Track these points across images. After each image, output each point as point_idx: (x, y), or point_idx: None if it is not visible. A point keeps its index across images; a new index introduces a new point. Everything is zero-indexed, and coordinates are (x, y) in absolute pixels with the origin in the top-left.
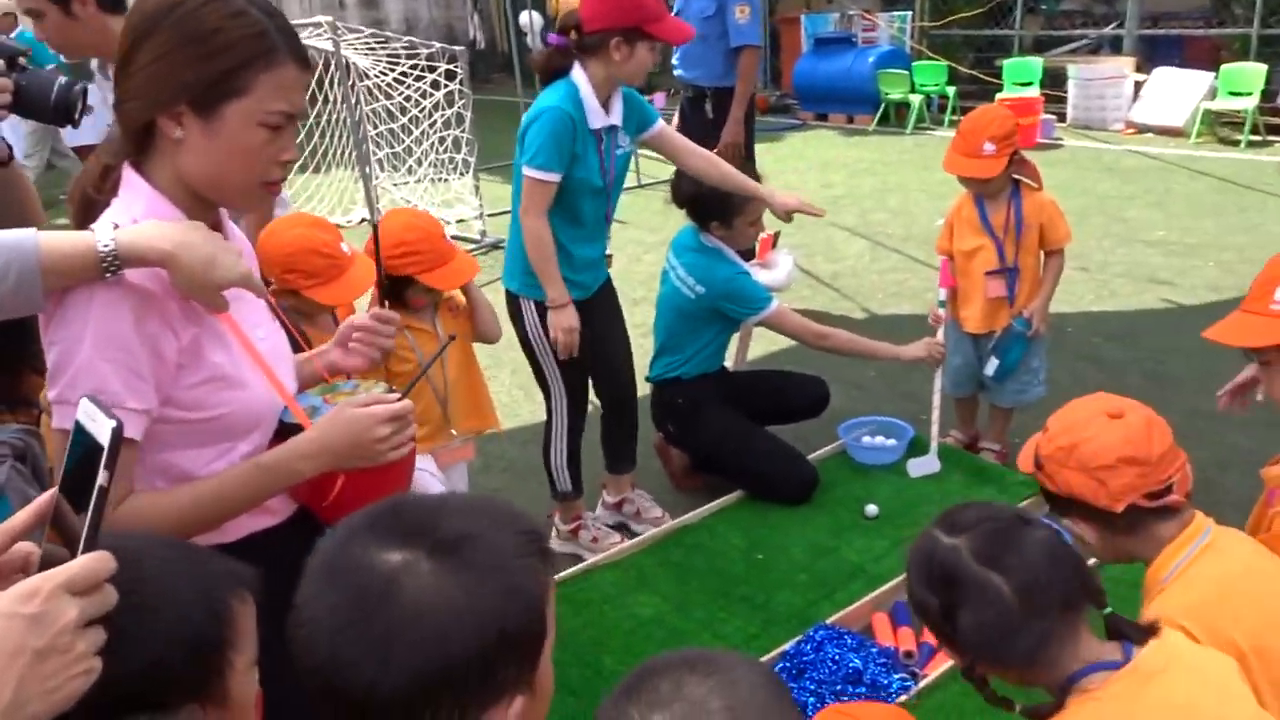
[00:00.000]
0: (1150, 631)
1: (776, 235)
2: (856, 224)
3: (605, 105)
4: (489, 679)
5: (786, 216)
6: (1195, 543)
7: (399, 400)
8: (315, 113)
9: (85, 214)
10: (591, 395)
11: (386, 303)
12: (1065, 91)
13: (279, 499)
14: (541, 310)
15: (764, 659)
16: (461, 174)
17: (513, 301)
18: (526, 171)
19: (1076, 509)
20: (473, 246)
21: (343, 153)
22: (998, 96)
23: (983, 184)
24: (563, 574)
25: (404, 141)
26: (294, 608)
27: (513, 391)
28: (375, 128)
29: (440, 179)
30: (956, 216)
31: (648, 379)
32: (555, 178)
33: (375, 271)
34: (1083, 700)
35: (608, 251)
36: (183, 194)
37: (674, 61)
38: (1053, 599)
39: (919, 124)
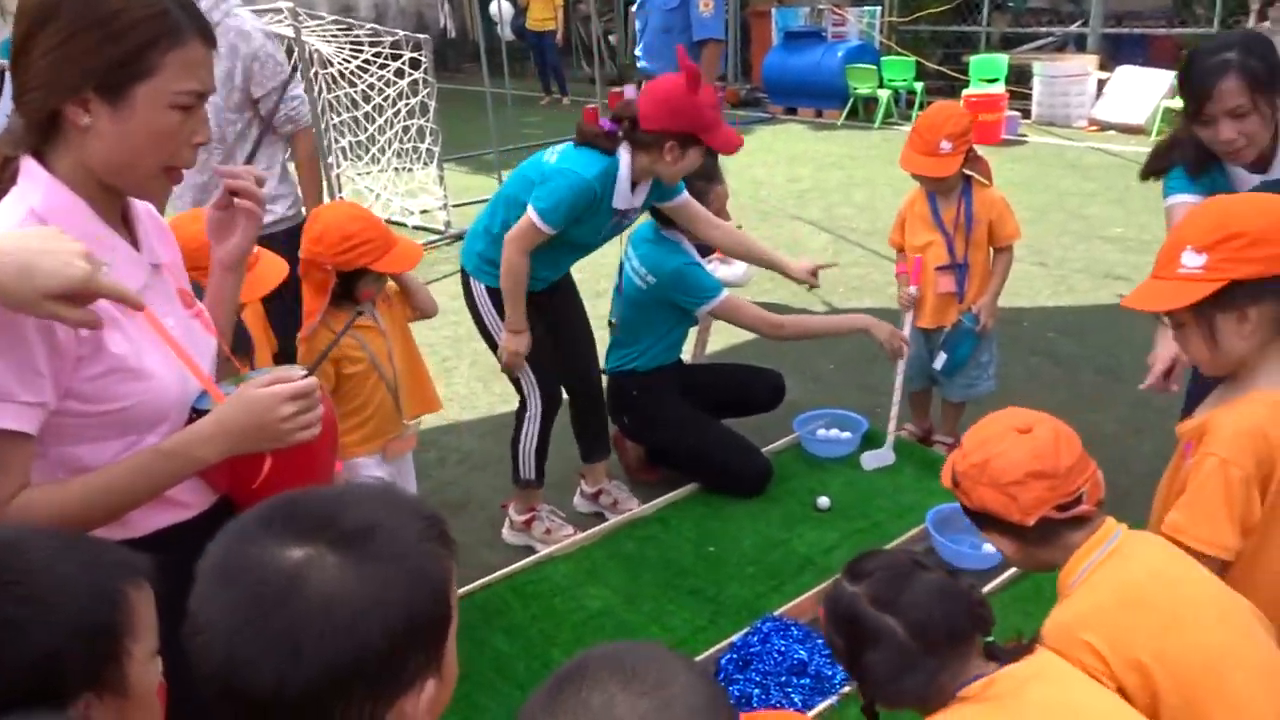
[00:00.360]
0: (1026, 650)
1: (737, 227)
2: (821, 218)
3: (634, 188)
4: (400, 668)
5: (809, 280)
6: (1101, 548)
7: (303, 378)
8: None
9: None
10: None
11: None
12: (1030, 88)
13: (192, 491)
14: (494, 296)
15: (711, 650)
16: (425, 164)
17: (466, 280)
18: (531, 212)
19: (992, 524)
20: (436, 237)
21: None
22: (964, 92)
23: (938, 181)
24: (514, 566)
25: (367, 130)
26: (188, 614)
27: (471, 384)
28: (338, 116)
29: (404, 169)
30: (909, 211)
31: (604, 370)
32: (553, 232)
33: (285, 268)
34: (959, 705)
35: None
36: (86, 182)
37: (637, 53)
38: (941, 634)
39: (886, 119)
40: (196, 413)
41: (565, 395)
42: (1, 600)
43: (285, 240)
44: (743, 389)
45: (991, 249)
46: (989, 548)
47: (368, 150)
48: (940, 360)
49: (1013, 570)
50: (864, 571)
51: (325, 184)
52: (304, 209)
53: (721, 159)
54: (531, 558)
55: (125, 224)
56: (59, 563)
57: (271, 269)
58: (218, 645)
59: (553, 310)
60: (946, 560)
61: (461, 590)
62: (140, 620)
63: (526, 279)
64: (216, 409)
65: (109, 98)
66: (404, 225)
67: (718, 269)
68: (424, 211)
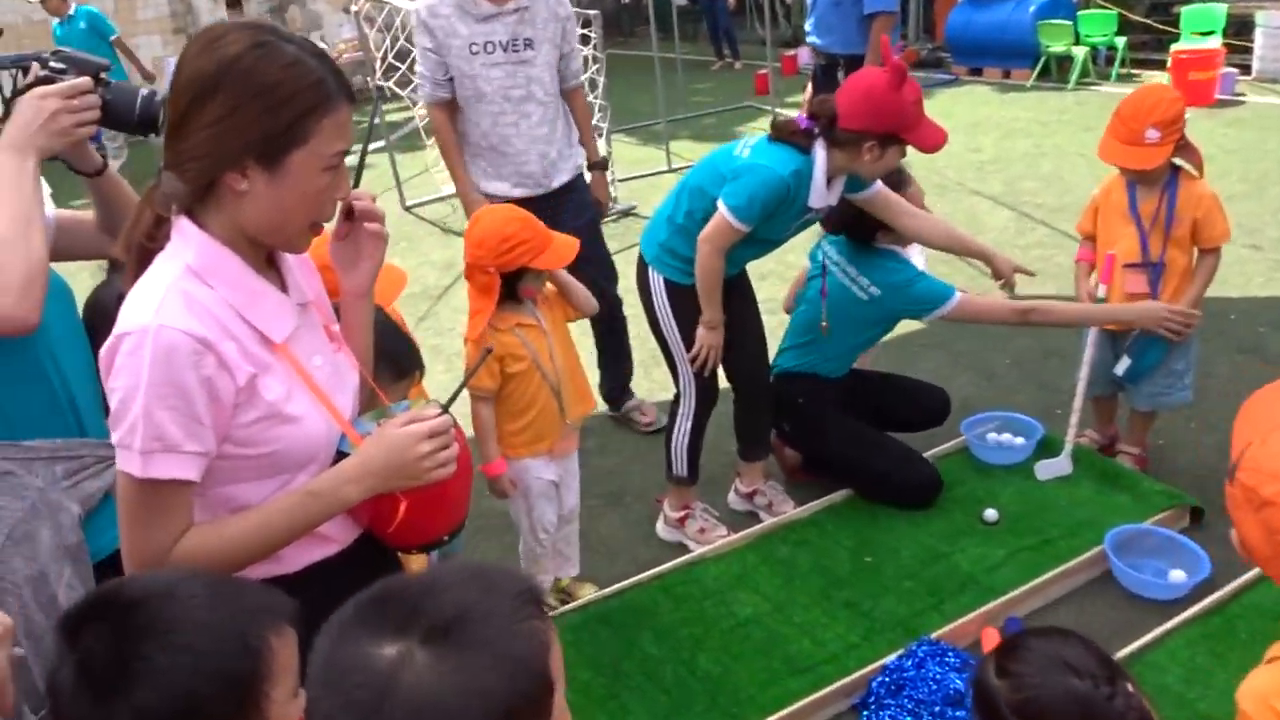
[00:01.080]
0: None
1: None
2: (1003, 192)
3: (829, 184)
4: None
5: (1009, 281)
6: None
7: (438, 415)
8: None
9: (141, 263)
10: (721, 377)
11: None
12: (1251, 41)
13: (339, 527)
14: (670, 289)
15: (863, 671)
16: (595, 137)
17: (643, 269)
18: (723, 209)
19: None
20: None
21: None
22: (1173, 47)
23: (1141, 173)
24: (666, 566)
25: None
26: (307, 707)
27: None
28: None
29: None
30: (1104, 199)
31: (772, 369)
32: (748, 229)
33: (405, 277)
34: None
35: None
36: (236, 237)
37: (806, 28)
38: None
39: (1083, 79)
40: (341, 454)
41: (731, 391)
42: (154, 647)
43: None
44: (906, 407)
45: (1196, 249)
46: (1175, 576)
47: None
48: (1123, 365)
49: (1203, 604)
50: (1009, 670)
51: None
52: (583, 162)
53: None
54: (683, 558)
55: (271, 264)
56: (208, 611)
57: (390, 280)
58: None
59: (728, 307)
60: (1127, 587)
61: (612, 588)
62: (281, 665)
63: (722, 277)
64: (359, 449)
65: (267, 165)
66: None
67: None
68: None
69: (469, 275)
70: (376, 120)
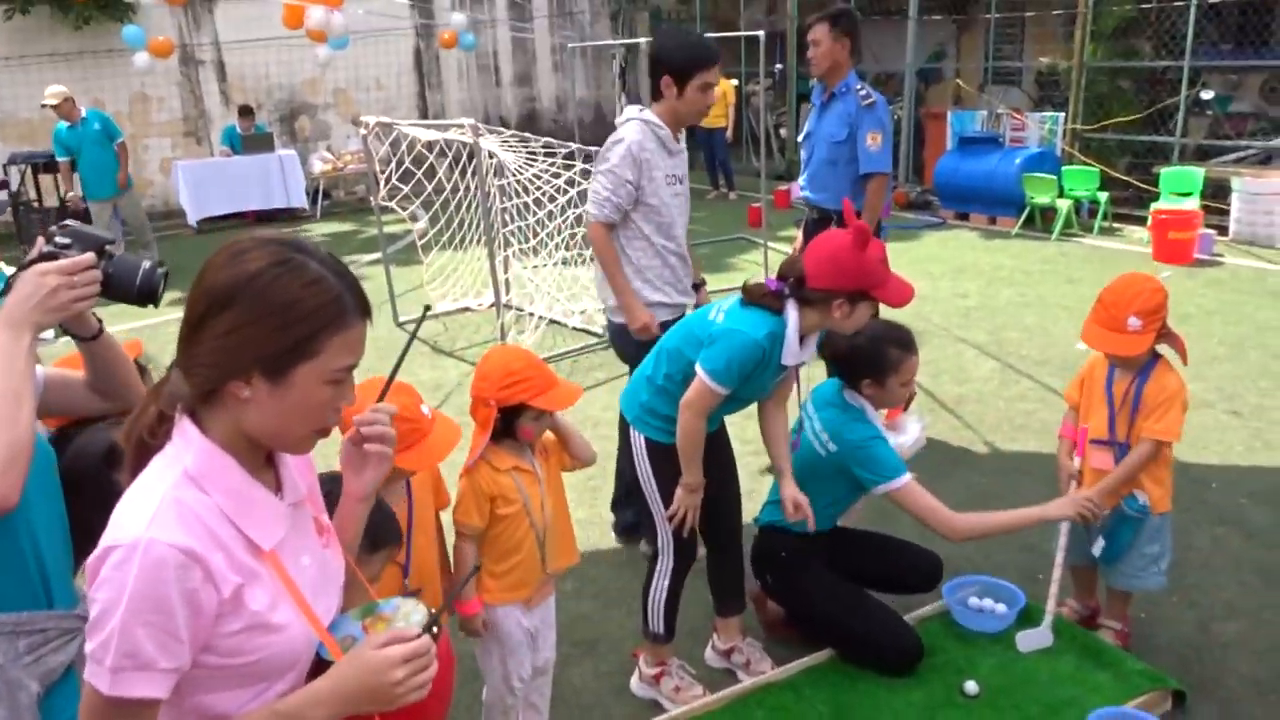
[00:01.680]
0: None
1: (911, 398)
2: (988, 342)
3: (802, 341)
4: None
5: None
6: None
7: (419, 636)
8: (457, 200)
9: (139, 457)
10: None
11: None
12: (1228, 204)
13: None
14: (651, 448)
15: None
16: (589, 264)
17: (625, 428)
18: (702, 374)
19: None
20: (595, 341)
21: (479, 238)
22: (1153, 206)
23: (1123, 359)
24: None
25: (538, 234)
26: None
27: (606, 513)
28: (510, 221)
29: (571, 263)
30: (1089, 372)
31: (755, 521)
32: (726, 392)
33: (459, 436)
34: None
35: None
36: (236, 441)
37: (800, 183)
38: None
39: (1066, 230)
40: (319, 659)
41: (703, 547)
42: None
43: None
44: (897, 567)
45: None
46: None
47: (536, 252)
48: (1098, 546)
49: None
50: None
51: (494, 277)
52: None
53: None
54: (657, 719)
55: (269, 461)
56: None
57: (446, 435)
58: None
59: (706, 461)
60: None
61: None
62: None
63: (703, 439)
64: (332, 673)
65: (272, 377)
66: (564, 325)
67: (886, 436)
68: (582, 313)
69: (472, 410)
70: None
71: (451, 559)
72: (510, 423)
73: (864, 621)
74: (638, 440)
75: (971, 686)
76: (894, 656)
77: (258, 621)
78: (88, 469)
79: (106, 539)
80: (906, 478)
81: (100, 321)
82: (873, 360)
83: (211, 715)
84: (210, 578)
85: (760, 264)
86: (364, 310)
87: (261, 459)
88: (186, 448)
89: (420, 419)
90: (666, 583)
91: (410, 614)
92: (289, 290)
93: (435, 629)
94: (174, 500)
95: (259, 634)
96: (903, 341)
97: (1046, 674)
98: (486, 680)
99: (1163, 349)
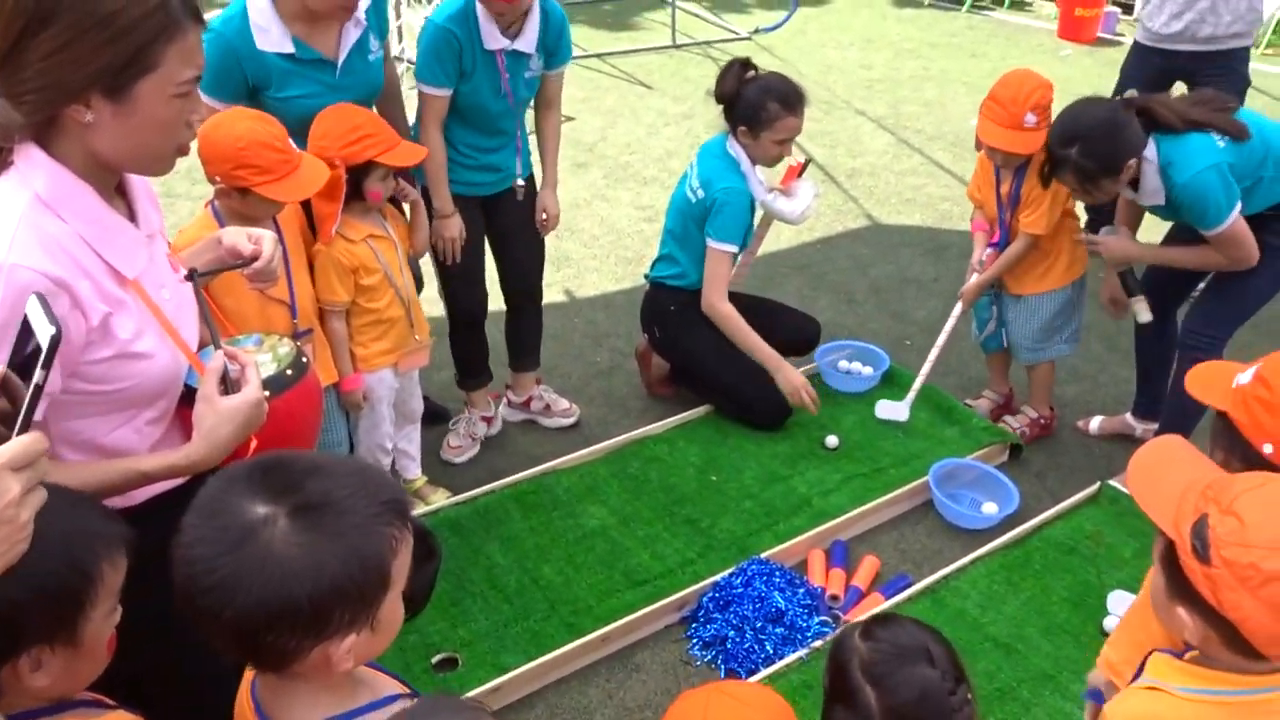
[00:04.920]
0: None
1: (807, 163)
2: (886, 114)
3: (511, 29)
4: (324, 621)
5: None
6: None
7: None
8: None
9: None
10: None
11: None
12: None
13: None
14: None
15: (696, 586)
16: None
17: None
18: (716, 245)
19: (1196, 602)
20: None
21: None
22: None
23: (1009, 156)
24: (520, 475)
25: None
26: (179, 528)
27: None
28: None
29: None
30: (980, 169)
31: (646, 277)
32: (440, 91)
33: (326, 172)
34: None
35: (519, 175)
36: (87, 164)
37: None
38: None
39: (977, 1)
40: (188, 387)
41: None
42: None
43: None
44: (776, 329)
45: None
46: (988, 509)
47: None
48: (994, 335)
49: (1006, 537)
50: (874, 635)
51: None
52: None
53: (800, 38)
54: (536, 469)
55: (120, 193)
56: (46, 528)
57: (314, 171)
58: (187, 562)
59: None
60: (946, 519)
61: (464, 495)
62: (107, 589)
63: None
64: (201, 428)
65: (112, 96)
66: None
67: (777, 200)
68: None
69: None
70: None
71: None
72: (357, 184)
73: (739, 377)
74: None
75: (832, 440)
76: (762, 409)
77: (126, 350)
78: None
79: None
80: (730, 246)
81: None
82: (753, 109)
83: (79, 440)
84: (78, 304)
85: (668, 24)
86: (194, 14)
87: (113, 188)
88: (34, 171)
89: (290, 151)
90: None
91: (275, 346)
92: (109, 1)
93: (304, 360)
94: (33, 225)
95: (128, 362)
96: (787, 100)
97: (900, 429)
98: (358, 441)
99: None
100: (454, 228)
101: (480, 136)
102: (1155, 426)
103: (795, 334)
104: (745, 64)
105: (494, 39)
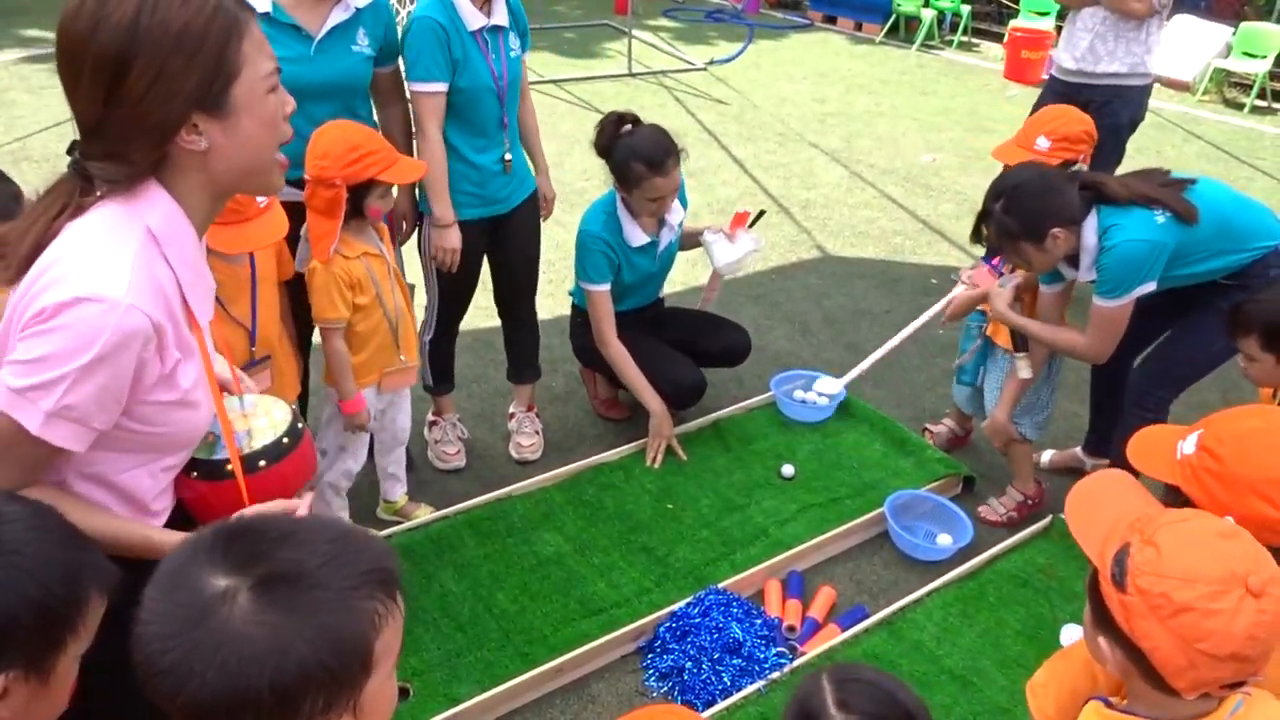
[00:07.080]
0: None
1: (759, 215)
2: (839, 148)
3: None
4: (288, 709)
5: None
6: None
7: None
8: None
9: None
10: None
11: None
12: None
13: (163, 500)
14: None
15: (652, 616)
16: None
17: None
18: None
19: (1113, 633)
20: None
21: None
22: (1011, 23)
23: None
24: (475, 501)
25: None
26: (141, 601)
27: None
28: None
29: None
30: None
31: (571, 293)
32: (433, 87)
33: (286, 223)
34: None
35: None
36: (204, 200)
37: None
38: None
39: (927, 40)
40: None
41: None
42: None
43: None
44: (702, 338)
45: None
46: (942, 540)
47: None
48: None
49: (961, 569)
50: (849, 705)
51: None
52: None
53: (754, 70)
54: (493, 494)
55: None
56: (47, 544)
57: (278, 220)
58: (144, 641)
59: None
60: (900, 549)
61: (415, 521)
62: (89, 623)
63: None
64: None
65: (214, 112)
66: None
67: (719, 244)
68: None
69: (310, 194)
70: None
71: (326, 360)
72: (357, 202)
73: (653, 362)
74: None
75: (788, 470)
76: (671, 390)
77: (184, 397)
78: None
79: (69, 285)
80: (593, 285)
81: None
82: (621, 168)
83: (91, 471)
84: (161, 349)
85: (624, 53)
86: (249, 7)
87: (208, 228)
88: (151, 205)
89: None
90: (429, 336)
91: (271, 410)
92: (173, 20)
93: (300, 425)
94: (146, 264)
95: (180, 409)
96: (651, 162)
97: (856, 460)
98: (321, 470)
99: None
100: (454, 238)
101: (480, 138)
102: (1106, 463)
103: (724, 343)
104: (621, 118)
105: (475, 18)
